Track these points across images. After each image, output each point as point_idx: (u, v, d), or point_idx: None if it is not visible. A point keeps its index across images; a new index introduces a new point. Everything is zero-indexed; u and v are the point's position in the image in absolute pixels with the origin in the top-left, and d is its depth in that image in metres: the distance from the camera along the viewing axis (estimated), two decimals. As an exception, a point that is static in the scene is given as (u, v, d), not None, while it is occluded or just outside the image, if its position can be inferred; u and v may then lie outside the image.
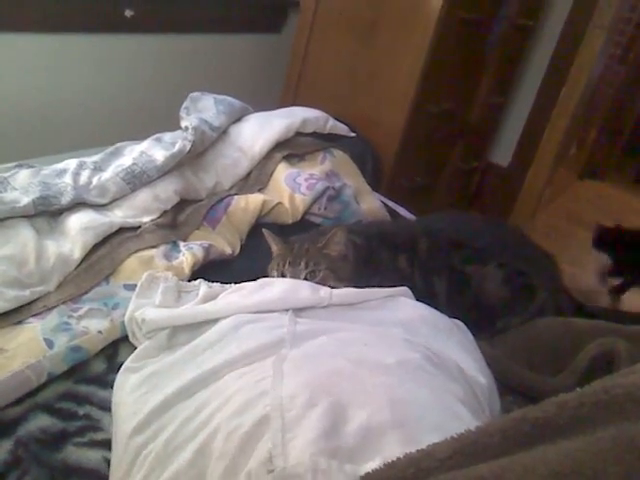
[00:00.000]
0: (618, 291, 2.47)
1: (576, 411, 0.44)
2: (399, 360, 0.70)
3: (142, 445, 0.67)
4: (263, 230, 1.13)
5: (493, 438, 0.45)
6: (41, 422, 0.79)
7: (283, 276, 1.04)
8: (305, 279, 1.02)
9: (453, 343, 0.82)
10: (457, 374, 0.74)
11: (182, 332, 0.84)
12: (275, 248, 1.11)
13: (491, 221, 1.46)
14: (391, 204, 1.70)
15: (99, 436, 0.79)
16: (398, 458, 0.47)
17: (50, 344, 0.88)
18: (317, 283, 0.96)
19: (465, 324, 0.93)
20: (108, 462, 0.74)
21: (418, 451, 0.47)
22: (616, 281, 2.47)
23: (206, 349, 0.77)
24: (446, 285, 1.15)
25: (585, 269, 2.67)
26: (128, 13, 1.77)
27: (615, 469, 0.38)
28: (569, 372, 0.90)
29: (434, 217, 1.48)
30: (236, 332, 0.78)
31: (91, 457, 0.75)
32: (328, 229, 1.17)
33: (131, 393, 0.76)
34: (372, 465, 0.52)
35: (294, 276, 1.03)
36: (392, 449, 0.54)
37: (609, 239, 2.38)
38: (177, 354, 0.79)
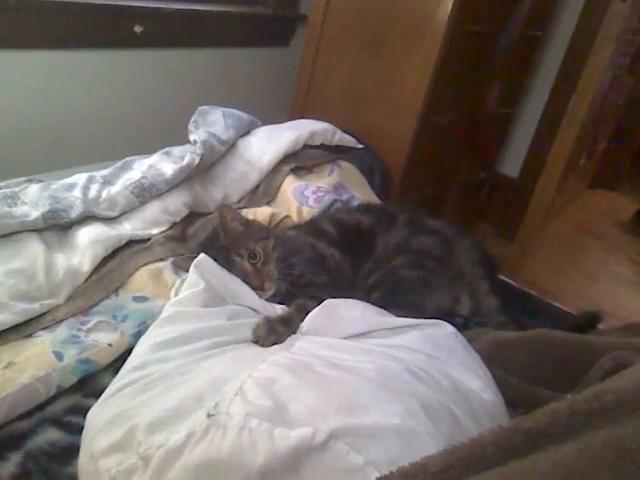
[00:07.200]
0: None
1: (569, 419, 0.43)
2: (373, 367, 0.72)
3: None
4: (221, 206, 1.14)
5: (486, 450, 0.44)
6: (50, 435, 0.79)
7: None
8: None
9: (455, 362, 0.80)
10: (450, 390, 0.72)
11: None
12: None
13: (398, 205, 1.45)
14: (400, 216, 1.69)
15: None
16: (391, 472, 0.47)
17: (60, 357, 0.88)
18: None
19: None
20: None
21: (411, 464, 0.46)
22: None
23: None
24: (367, 271, 1.17)
25: (594, 278, 2.65)
26: (137, 29, 1.80)
27: (607, 474, 0.38)
28: (583, 387, 0.88)
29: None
30: None
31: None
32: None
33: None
34: (305, 431, 0.55)
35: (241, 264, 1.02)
36: (332, 425, 0.57)
37: None
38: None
